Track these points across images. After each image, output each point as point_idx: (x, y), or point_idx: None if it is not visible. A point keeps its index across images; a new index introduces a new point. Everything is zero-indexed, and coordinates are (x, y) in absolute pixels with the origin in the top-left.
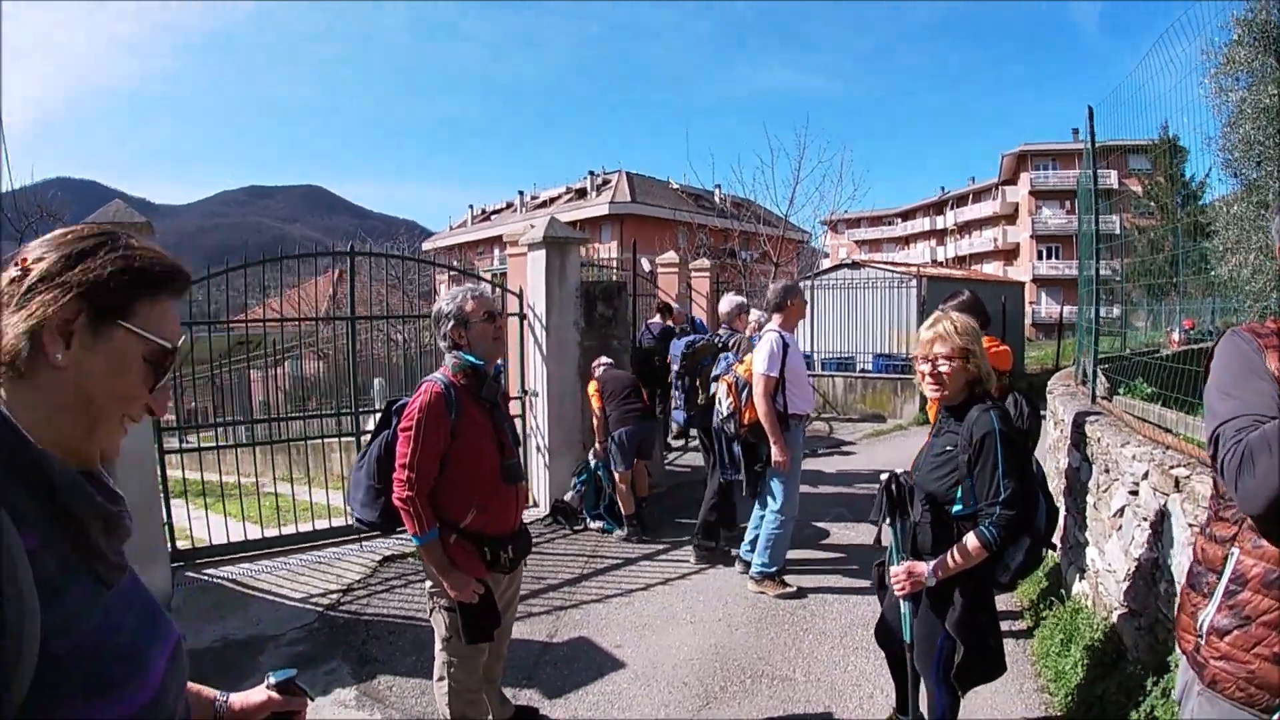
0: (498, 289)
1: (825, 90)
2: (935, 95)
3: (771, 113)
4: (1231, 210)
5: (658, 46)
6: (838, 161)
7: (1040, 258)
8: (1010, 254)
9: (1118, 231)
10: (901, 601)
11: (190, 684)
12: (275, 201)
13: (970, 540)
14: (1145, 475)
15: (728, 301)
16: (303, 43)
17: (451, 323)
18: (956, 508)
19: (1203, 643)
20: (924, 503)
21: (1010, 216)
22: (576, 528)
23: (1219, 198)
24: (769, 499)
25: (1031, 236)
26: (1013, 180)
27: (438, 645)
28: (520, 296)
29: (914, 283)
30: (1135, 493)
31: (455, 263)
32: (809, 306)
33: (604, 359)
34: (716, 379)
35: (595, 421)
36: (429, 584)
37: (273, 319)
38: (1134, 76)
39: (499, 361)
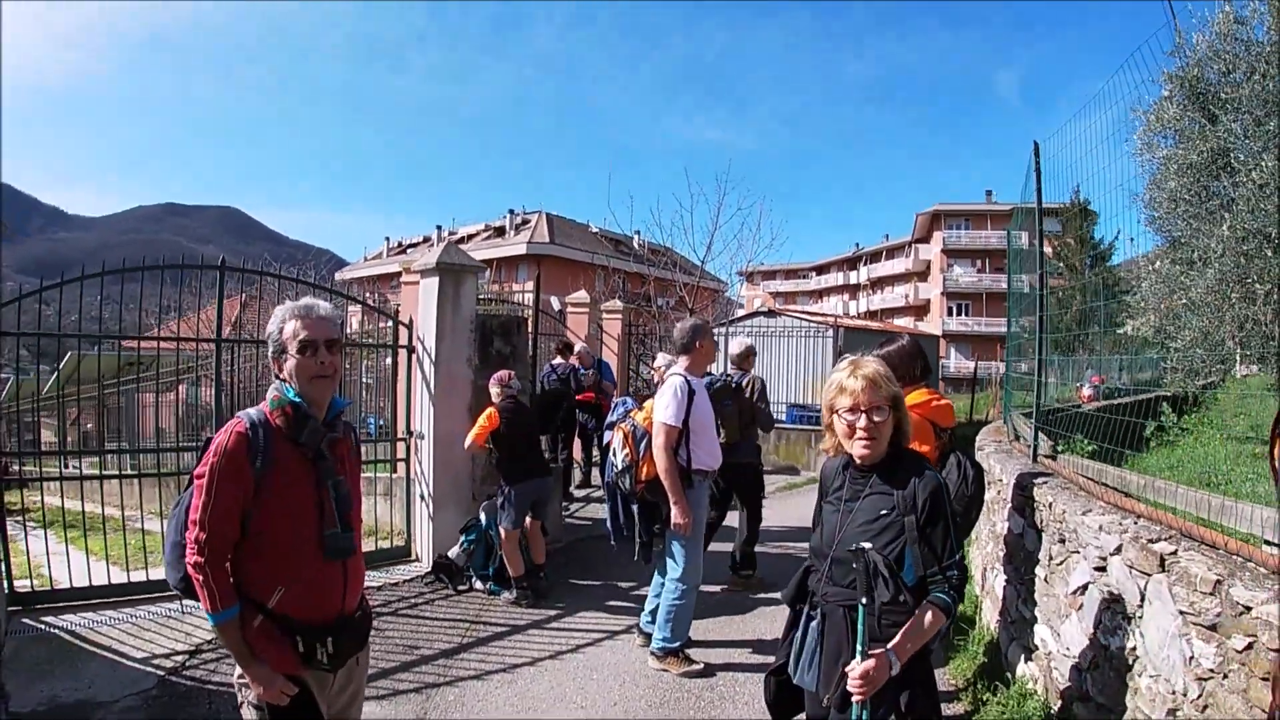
0: (386, 319)
1: (751, 148)
2: (857, 158)
3: (700, 166)
4: (1155, 266)
5: (596, 91)
6: (756, 211)
7: (950, 314)
8: (921, 310)
9: (1026, 290)
10: (856, 707)
11: None
12: (191, 221)
13: (930, 611)
14: (1117, 549)
15: (738, 344)
16: (238, 60)
17: (271, 348)
18: (908, 578)
19: None
20: (889, 578)
21: (922, 273)
22: (461, 588)
23: (1143, 254)
24: (669, 565)
25: (942, 293)
26: (926, 239)
27: None
28: (410, 328)
29: (830, 332)
30: (1102, 569)
31: (366, 293)
32: (723, 355)
33: (514, 380)
34: (612, 427)
35: (469, 442)
36: (238, 670)
37: (130, 336)
38: (1072, 124)
39: (340, 399)
